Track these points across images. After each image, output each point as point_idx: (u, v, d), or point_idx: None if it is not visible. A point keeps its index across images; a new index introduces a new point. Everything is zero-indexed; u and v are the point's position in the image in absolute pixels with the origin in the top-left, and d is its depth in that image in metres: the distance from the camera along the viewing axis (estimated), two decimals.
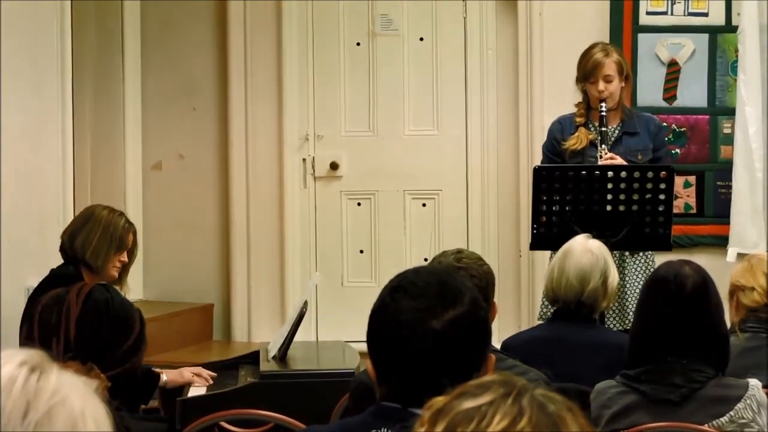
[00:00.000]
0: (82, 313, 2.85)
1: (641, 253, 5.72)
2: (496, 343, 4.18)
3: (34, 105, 6.20)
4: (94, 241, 4.98)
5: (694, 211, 6.98)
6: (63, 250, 5.07)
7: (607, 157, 5.61)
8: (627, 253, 5.68)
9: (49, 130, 6.29)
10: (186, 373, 4.85)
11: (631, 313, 5.52)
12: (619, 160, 5.60)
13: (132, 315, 2.93)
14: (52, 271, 5.07)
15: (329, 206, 7.46)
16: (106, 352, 2.83)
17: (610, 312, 5.46)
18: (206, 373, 4.91)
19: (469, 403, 1.47)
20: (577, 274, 4.24)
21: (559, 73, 6.78)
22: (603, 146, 5.67)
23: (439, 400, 1.51)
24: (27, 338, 2.87)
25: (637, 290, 5.57)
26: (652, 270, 5.55)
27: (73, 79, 6.56)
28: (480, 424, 1.44)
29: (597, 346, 4.18)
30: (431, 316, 2.26)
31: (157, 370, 4.86)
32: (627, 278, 5.64)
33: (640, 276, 5.68)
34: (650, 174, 5.30)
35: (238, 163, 7.41)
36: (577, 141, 5.79)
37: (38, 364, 1.46)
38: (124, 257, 5.07)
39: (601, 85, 5.76)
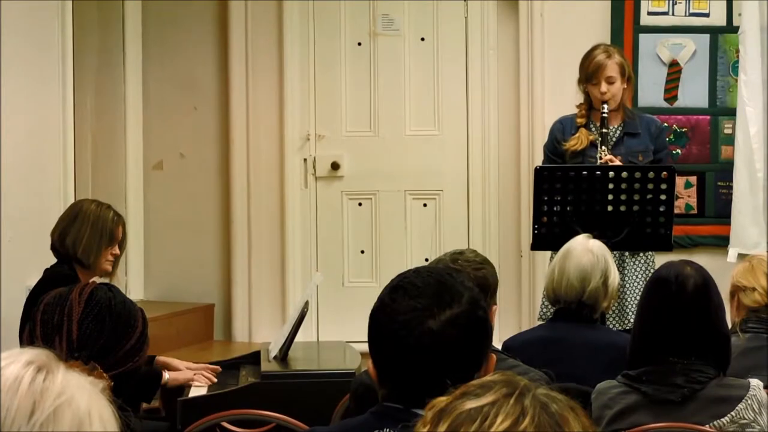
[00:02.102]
0: (84, 313, 2.84)
1: (641, 254, 5.73)
2: (497, 343, 4.18)
3: (35, 104, 6.20)
4: (85, 238, 4.96)
5: (694, 211, 6.99)
6: (54, 248, 5.05)
7: (606, 159, 5.62)
8: (627, 254, 5.68)
9: (50, 130, 6.29)
10: (188, 372, 4.84)
11: (630, 314, 5.53)
12: (618, 162, 5.61)
13: (134, 315, 2.92)
14: (46, 271, 5.06)
15: (330, 206, 7.47)
16: (108, 352, 2.83)
17: (610, 312, 5.46)
18: (208, 371, 4.89)
19: (471, 404, 1.47)
20: (578, 275, 4.24)
21: (561, 73, 6.78)
22: (603, 147, 5.67)
23: (441, 401, 1.51)
24: (29, 338, 2.87)
25: (637, 291, 5.58)
26: (652, 270, 5.57)
27: (75, 79, 6.56)
28: (483, 425, 1.44)
29: (598, 347, 4.18)
30: (428, 315, 2.26)
31: (162, 359, 4.86)
32: (627, 279, 5.64)
33: (640, 276, 5.68)
34: (651, 174, 5.31)
35: (239, 162, 7.41)
36: (577, 141, 5.80)
37: (45, 364, 1.46)
38: (116, 250, 5.05)
39: (604, 87, 5.77)
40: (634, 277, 5.69)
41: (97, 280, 4.89)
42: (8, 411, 1.41)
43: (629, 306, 5.59)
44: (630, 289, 5.64)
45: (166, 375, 4.74)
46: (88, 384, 1.47)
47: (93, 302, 2.87)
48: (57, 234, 5.03)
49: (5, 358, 1.47)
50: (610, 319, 5.51)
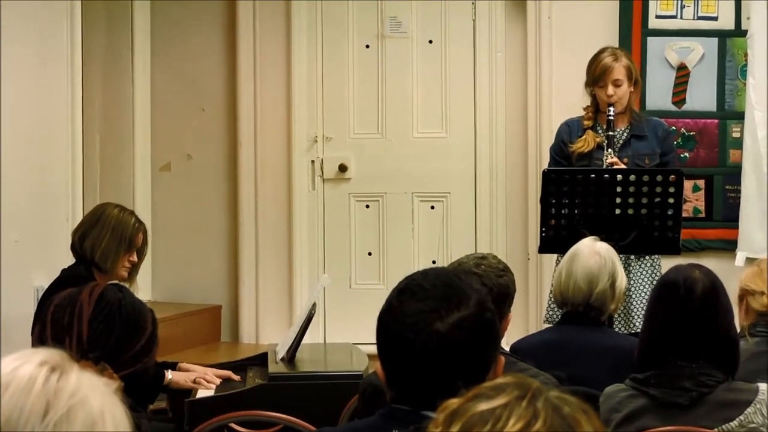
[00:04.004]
0: (94, 314, 2.85)
1: (647, 257, 5.72)
2: (505, 346, 4.18)
3: (43, 105, 6.21)
4: (104, 242, 4.96)
5: (702, 215, 6.98)
6: (74, 249, 5.05)
7: (611, 161, 5.62)
8: (632, 257, 5.67)
9: (58, 131, 6.29)
10: (191, 375, 4.83)
11: (636, 317, 5.53)
12: (622, 167, 5.61)
13: (144, 315, 2.93)
14: (63, 271, 5.06)
15: (337, 208, 7.47)
16: (118, 353, 2.83)
17: (616, 316, 5.46)
18: (211, 374, 4.88)
19: (483, 406, 1.47)
20: (585, 277, 4.23)
21: (568, 75, 6.79)
22: (609, 150, 5.68)
23: (453, 402, 1.51)
24: (39, 338, 2.87)
25: (643, 294, 5.58)
26: (658, 274, 5.57)
27: (83, 79, 6.57)
28: (495, 427, 1.44)
29: (605, 350, 4.17)
30: (436, 318, 2.26)
31: (185, 365, 4.86)
32: (632, 282, 5.64)
33: (645, 280, 5.68)
34: (659, 178, 5.30)
35: (247, 164, 7.41)
36: (584, 143, 5.81)
37: (58, 364, 1.46)
38: (134, 257, 5.05)
39: (610, 90, 5.77)
40: (640, 281, 5.69)
41: None
42: (22, 411, 1.41)
43: (635, 309, 5.59)
44: (636, 292, 5.64)
45: (169, 375, 4.74)
46: (101, 384, 1.48)
47: (103, 303, 2.87)
48: (77, 235, 5.03)
49: (19, 358, 1.47)
50: (616, 323, 5.51)
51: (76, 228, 5.10)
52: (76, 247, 5.01)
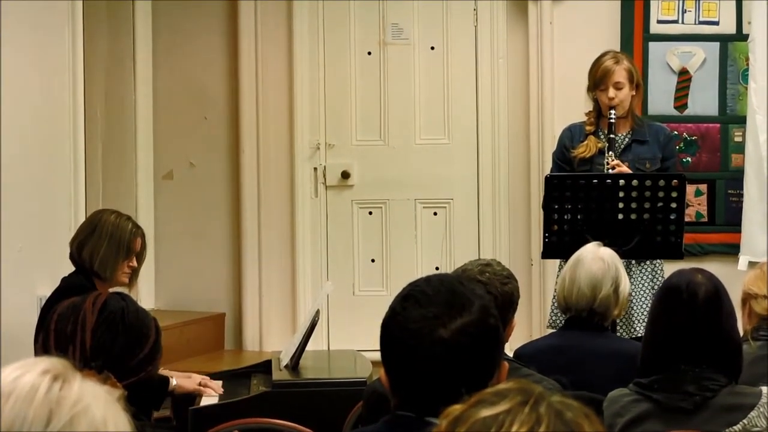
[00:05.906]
0: (97, 323, 2.85)
1: (648, 262, 5.72)
2: (509, 352, 4.18)
3: (45, 113, 6.21)
4: (102, 251, 4.93)
5: (705, 219, 6.98)
6: (72, 258, 5.04)
7: (613, 163, 5.63)
8: (633, 262, 5.67)
9: (60, 139, 6.30)
10: (196, 378, 4.83)
11: (637, 322, 5.53)
12: (624, 168, 5.61)
13: (147, 324, 2.93)
14: (63, 280, 5.05)
15: (340, 215, 7.47)
16: (121, 362, 2.83)
17: (618, 321, 5.45)
18: (213, 383, 4.88)
19: (486, 412, 1.47)
20: (589, 282, 4.23)
21: (570, 81, 6.79)
22: (610, 153, 5.68)
23: (456, 409, 1.51)
24: (43, 347, 2.87)
25: (644, 299, 5.58)
26: (659, 279, 5.57)
27: (85, 88, 6.57)
28: None
29: (609, 354, 4.17)
30: (440, 324, 2.25)
31: (167, 373, 4.85)
32: (633, 287, 5.62)
33: (646, 285, 5.68)
34: (662, 182, 5.31)
35: (250, 171, 7.42)
36: (585, 149, 5.81)
37: (61, 373, 1.47)
38: (133, 262, 5.03)
39: (611, 92, 5.78)
40: (641, 286, 5.69)
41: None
42: (24, 420, 1.41)
43: (636, 315, 5.58)
44: (636, 297, 5.63)
45: (174, 381, 4.74)
46: (103, 393, 1.48)
47: (106, 312, 2.87)
48: (75, 245, 5.00)
49: (21, 367, 1.48)
50: (618, 328, 5.50)
51: (73, 237, 5.06)
52: (75, 257, 5.00)
